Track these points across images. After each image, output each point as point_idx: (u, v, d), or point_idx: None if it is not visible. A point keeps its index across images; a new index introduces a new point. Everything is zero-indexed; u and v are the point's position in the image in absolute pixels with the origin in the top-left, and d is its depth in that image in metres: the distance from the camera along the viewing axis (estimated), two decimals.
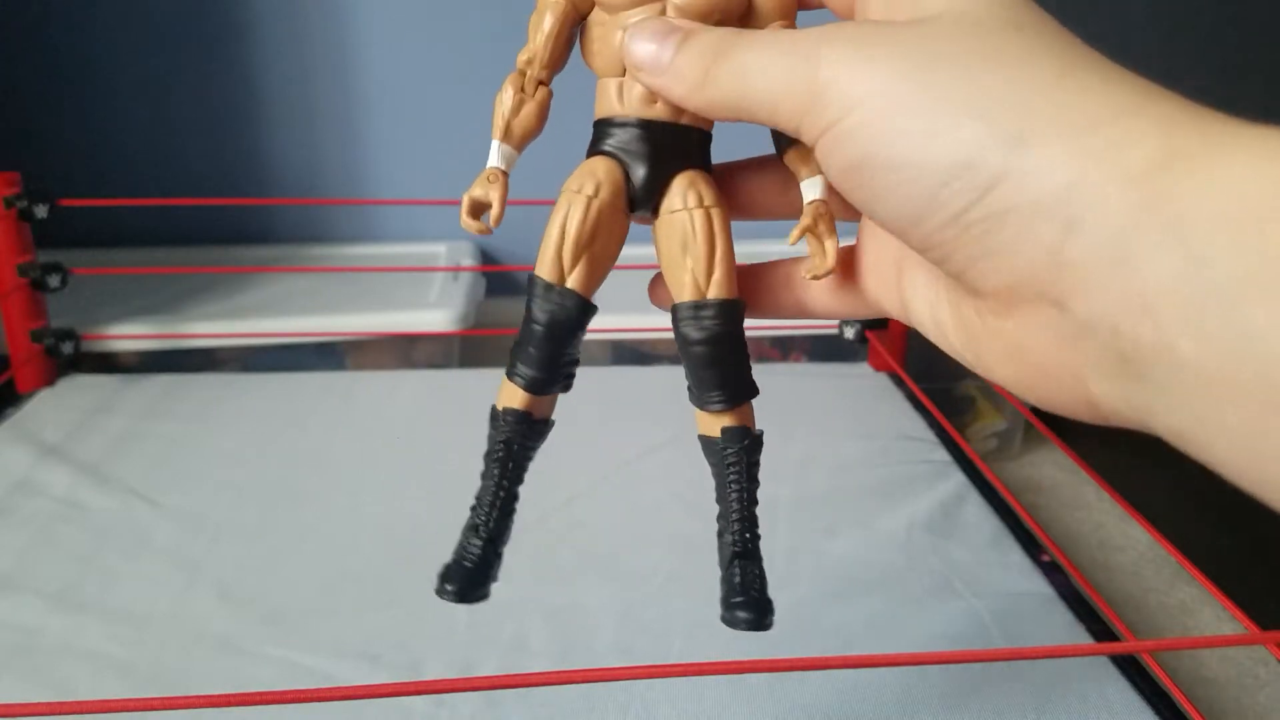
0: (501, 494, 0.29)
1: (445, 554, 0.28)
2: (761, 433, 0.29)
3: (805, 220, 0.27)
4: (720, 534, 0.29)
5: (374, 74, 1.14)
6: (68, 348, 0.87)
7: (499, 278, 1.18)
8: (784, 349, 1.00)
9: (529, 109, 0.27)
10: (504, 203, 0.27)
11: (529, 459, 0.29)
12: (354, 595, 0.59)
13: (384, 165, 1.19)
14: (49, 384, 0.87)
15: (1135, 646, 0.47)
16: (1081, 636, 0.57)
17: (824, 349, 0.98)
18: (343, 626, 0.56)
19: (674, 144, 0.27)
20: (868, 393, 0.90)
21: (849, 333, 0.92)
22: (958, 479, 0.74)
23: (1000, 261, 0.20)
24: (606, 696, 0.50)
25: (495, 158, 0.27)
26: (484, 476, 0.29)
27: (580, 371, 0.28)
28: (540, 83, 0.28)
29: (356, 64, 1.14)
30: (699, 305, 0.27)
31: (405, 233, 1.20)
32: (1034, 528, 0.65)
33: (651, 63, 0.25)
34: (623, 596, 0.58)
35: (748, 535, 0.29)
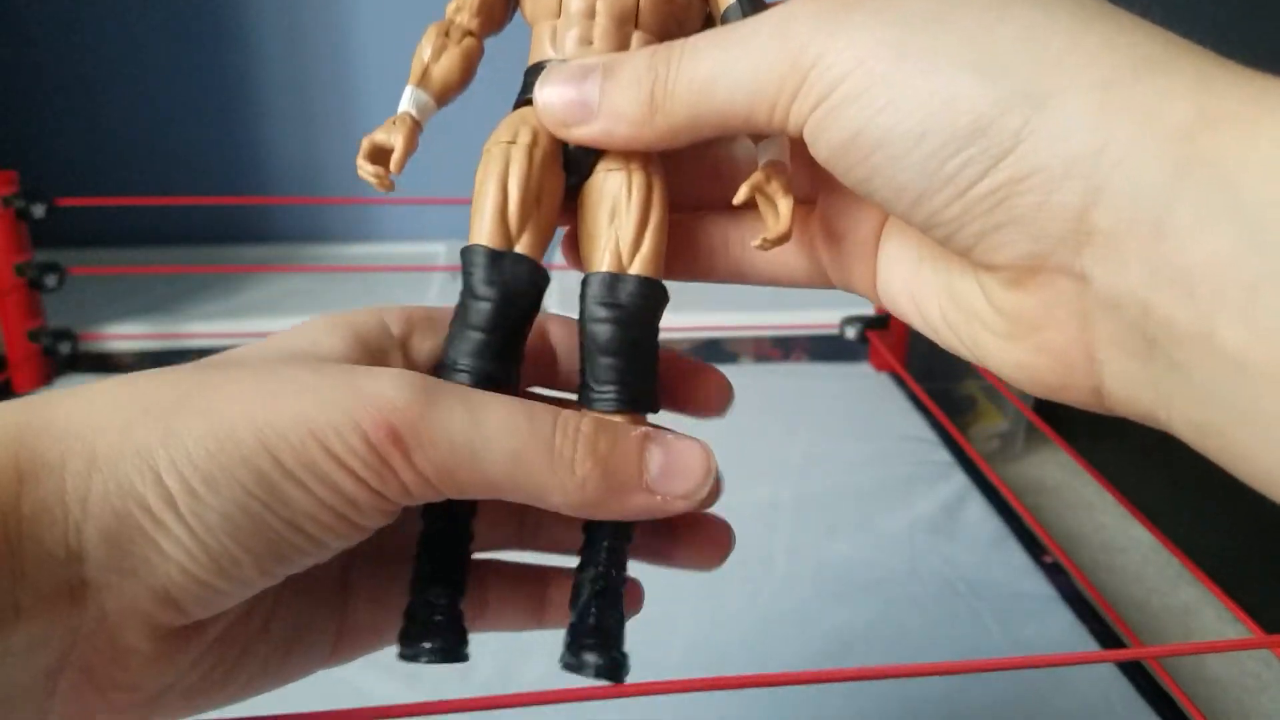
0: (445, 534, 0.23)
1: None
2: None
3: (756, 176, 0.22)
4: (581, 567, 0.24)
5: (373, 72, 1.14)
6: (65, 348, 0.87)
7: None
8: (785, 349, 1.00)
9: (451, 54, 0.24)
10: (408, 148, 0.23)
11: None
12: None
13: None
14: (46, 384, 0.87)
15: (1138, 653, 0.47)
16: (1083, 638, 0.56)
17: (825, 349, 0.98)
18: None
19: None
20: (869, 393, 0.90)
21: (850, 333, 0.92)
22: (959, 480, 0.74)
23: (1015, 233, 0.18)
24: (606, 698, 0.49)
25: (406, 102, 0.24)
26: (423, 515, 0.23)
27: None
28: (469, 33, 0.24)
29: (356, 63, 1.14)
30: (616, 278, 0.22)
31: (404, 232, 1.20)
32: (1036, 529, 0.65)
33: (576, 111, 0.22)
34: None
35: (614, 573, 0.23)
